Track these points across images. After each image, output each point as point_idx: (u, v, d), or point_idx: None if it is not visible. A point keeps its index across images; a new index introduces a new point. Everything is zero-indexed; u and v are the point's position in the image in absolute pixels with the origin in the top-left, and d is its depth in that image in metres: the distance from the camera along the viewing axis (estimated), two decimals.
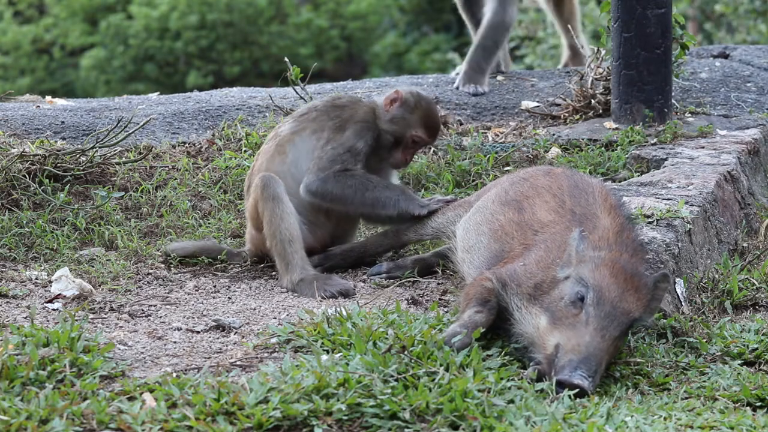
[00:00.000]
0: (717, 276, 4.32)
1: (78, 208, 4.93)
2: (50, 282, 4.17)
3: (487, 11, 6.82)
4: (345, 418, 2.99)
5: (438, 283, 4.24)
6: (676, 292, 4.07)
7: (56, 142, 5.58)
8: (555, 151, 5.67)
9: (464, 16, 7.32)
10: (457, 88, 6.74)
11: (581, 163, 5.45)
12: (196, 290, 4.23)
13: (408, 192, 4.39)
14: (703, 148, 5.55)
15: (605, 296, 3.40)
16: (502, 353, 3.49)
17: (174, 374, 3.24)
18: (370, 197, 4.32)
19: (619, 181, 5.14)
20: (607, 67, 6.23)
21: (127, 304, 4.04)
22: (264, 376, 3.13)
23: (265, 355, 3.45)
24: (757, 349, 3.71)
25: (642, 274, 3.55)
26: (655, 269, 4.01)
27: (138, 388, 3.10)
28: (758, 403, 3.35)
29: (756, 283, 4.31)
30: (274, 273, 4.38)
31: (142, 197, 5.13)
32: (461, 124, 6.26)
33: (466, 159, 5.51)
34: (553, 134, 5.97)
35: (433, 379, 3.17)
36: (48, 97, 6.91)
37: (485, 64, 6.75)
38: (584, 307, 3.40)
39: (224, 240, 4.74)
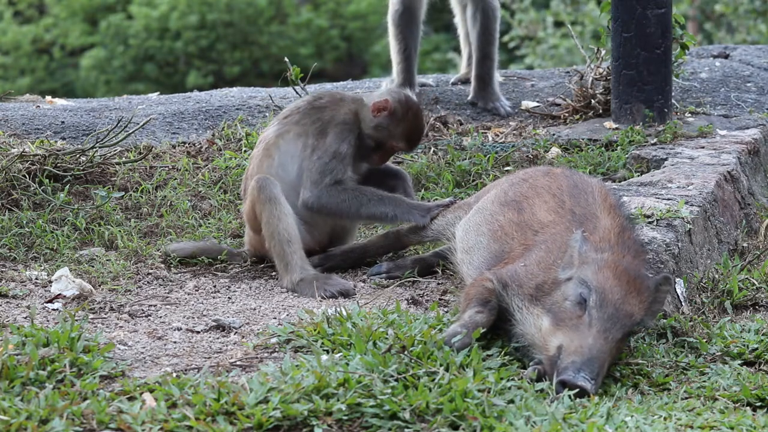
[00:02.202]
0: (717, 276, 4.32)
1: (78, 208, 4.93)
2: (50, 282, 4.17)
3: (470, 11, 6.68)
4: (345, 418, 2.99)
5: (438, 283, 4.24)
6: (676, 292, 4.07)
7: (56, 142, 5.58)
8: (555, 151, 5.67)
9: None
10: (474, 104, 6.64)
11: (581, 163, 5.45)
12: (196, 290, 4.23)
13: (403, 202, 4.35)
14: (703, 148, 5.55)
15: (608, 298, 3.40)
16: (502, 353, 3.49)
17: (174, 374, 3.24)
18: (365, 212, 4.33)
19: (619, 181, 5.14)
20: (607, 67, 6.23)
21: (127, 304, 4.04)
22: (264, 376, 3.13)
23: (265, 355, 3.45)
24: (757, 349, 3.71)
25: (644, 276, 3.55)
26: (655, 269, 4.01)
27: (138, 388, 3.10)
28: (758, 403, 3.35)
29: (756, 283, 4.31)
30: (274, 273, 4.37)
31: (142, 197, 5.13)
32: (461, 124, 6.26)
33: (466, 159, 5.51)
34: (553, 134, 5.97)
35: (433, 379, 3.17)
36: (48, 97, 6.91)
37: (493, 72, 6.65)
38: (587, 309, 3.39)
39: (224, 240, 4.74)
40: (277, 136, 4.39)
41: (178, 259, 4.53)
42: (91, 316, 3.89)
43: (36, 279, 4.26)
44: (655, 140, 5.70)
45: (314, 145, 4.33)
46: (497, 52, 6.67)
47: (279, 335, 3.55)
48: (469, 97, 6.58)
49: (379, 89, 4.60)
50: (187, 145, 5.79)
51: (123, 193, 5.17)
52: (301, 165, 4.35)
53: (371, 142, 4.41)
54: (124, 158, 5.44)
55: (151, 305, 4.04)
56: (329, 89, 6.81)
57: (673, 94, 6.13)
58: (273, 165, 4.37)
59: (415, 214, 4.32)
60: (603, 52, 6.29)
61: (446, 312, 3.78)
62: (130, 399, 3.05)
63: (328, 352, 3.38)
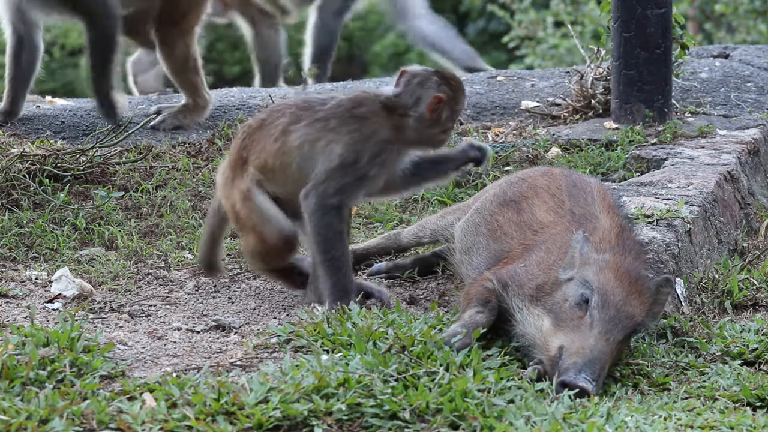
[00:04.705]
0: (717, 276, 4.32)
1: (78, 208, 4.93)
2: (50, 282, 4.17)
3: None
4: (345, 418, 3.00)
5: (438, 283, 4.24)
6: (676, 292, 4.08)
7: (56, 142, 5.58)
8: (555, 151, 5.67)
9: None
10: None
11: (581, 163, 5.45)
12: (196, 290, 4.23)
13: (346, 292, 3.84)
14: (703, 148, 5.55)
15: (610, 300, 3.40)
16: (502, 353, 3.49)
17: (174, 374, 3.24)
18: (323, 258, 3.84)
19: (619, 181, 5.14)
20: (607, 67, 6.23)
21: (127, 304, 4.04)
22: (264, 376, 3.13)
23: (265, 355, 3.45)
24: (757, 349, 3.71)
25: (645, 277, 3.55)
26: (655, 269, 4.01)
27: (138, 388, 3.10)
28: (758, 403, 3.35)
29: (756, 283, 4.31)
30: None
31: (142, 197, 5.13)
32: (461, 124, 6.26)
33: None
34: (553, 134, 5.96)
35: (433, 379, 3.17)
36: (48, 97, 6.90)
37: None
38: (589, 310, 3.40)
39: (224, 240, 4.72)
40: (304, 141, 3.87)
41: (177, 259, 4.51)
42: (91, 316, 3.89)
43: (36, 279, 4.26)
44: (655, 140, 5.70)
45: (343, 155, 3.84)
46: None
47: (279, 335, 3.55)
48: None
49: (397, 89, 3.98)
50: (187, 145, 5.79)
51: (123, 193, 5.17)
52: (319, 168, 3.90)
53: (444, 134, 3.95)
54: (124, 158, 5.44)
55: (151, 305, 4.04)
56: (330, 89, 6.80)
57: (673, 94, 6.13)
58: (291, 168, 3.92)
59: (336, 296, 3.82)
60: (603, 52, 6.29)
61: (446, 312, 3.78)
62: (130, 399, 3.05)
63: (328, 352, 3.38)
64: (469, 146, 4.06)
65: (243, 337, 3.69)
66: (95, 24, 5.78)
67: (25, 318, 3.79)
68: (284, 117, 3.94)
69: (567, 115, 6.31)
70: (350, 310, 3.65)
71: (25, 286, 4.19)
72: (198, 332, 3.75)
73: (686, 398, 3.36)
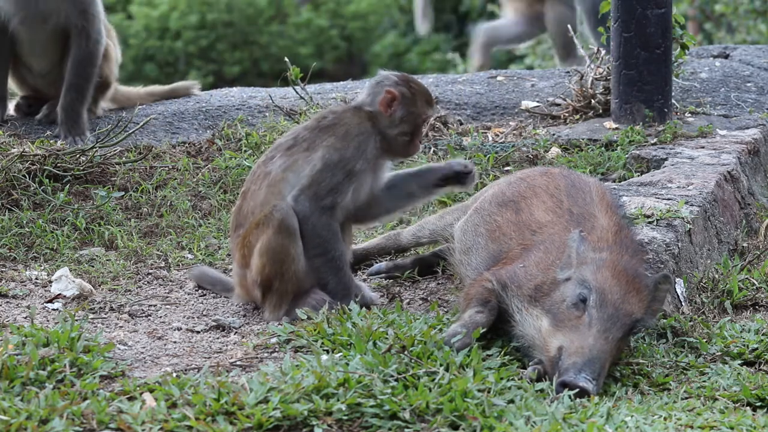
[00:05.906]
0: (717, 276, 4.32)
1: (78, 208, 4.93)
2: (50, 282, 4.17)
3: None
4: (345, 418, 3.00)
5: (438, 283, 4.24)
6: (676, 292, 4.08)
7: (56, 142, 5.58)
8: (555, 151, 5.67)
9: None
10: None
11: (581, 163, 5.45)
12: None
13: (348, 291, 3.90)
14: (703, 148, 5.55)
15: (608, 298, 3.40)
16: (502, 353, 3.49)
17: (174, 374, 3.25)
18: (321, 260, 3.89)
19: (619, 181, 5.14)
20: (607, 67, 6.24)
21: (127, 304, 4.04)
22: (264, 376, 3.13)
23: (265, 355, 3.45)
24: (757, 349, 3.71)
25: (643, 275, 3.56)
26: (655, 269, 4.01)
27: (138, 388, 3.10)
28: (758, 403, 3.35)
29: (756, 283, 4.31)
30: None
31: (142, 197, 5.14)
32: (461, 124, 6.26)
33: (466, 159, 5.51)
34: (553, 134, 5.96)
35: (433, 379, 3.17)
36: None
37: None
38: (587, 310, 3.40)
39: (223, 241, 4.74)
40: (284, 170, 3.94)
41: (177, 259, 4.52)
42: (91, 316, 3.89)
43: (36, 279, 4.27)
44: (655, 140, 5.70)
45: (326, 159, 3.92)
46: None
47: (279, 335, 3.55)
48: None
49: (360, 94, 4.17)
50: (187, 145, 5.79)
51: (123, 193, 5.17)
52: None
53: (406, 136, 4.04)
54: (124, 158, 5.44)
55: (151, 305, 4.04)
56: (330, 89, 6.80)
57: (673, 94, 6.13)
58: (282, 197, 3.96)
59: (339, 295, 3.88)
60: (603, 52, 6.29)
61: (446, 312, 3.78)
62: (130, 399, 3.05)
63: (328, 352, 3.38)
64: (454, 161, 4.16)
65: (243, 337, 3.69)
66: (88, 38, 5.76)
67: (25, 318, 3.79)
68: (259, 168, 4.01)
69: (567, 115, 6.31)
70: (350, 310, 3.65)
71: (25, 286, 4.19)
72: (198, 332, 3.76)
73: (686, 398, 3.36)
